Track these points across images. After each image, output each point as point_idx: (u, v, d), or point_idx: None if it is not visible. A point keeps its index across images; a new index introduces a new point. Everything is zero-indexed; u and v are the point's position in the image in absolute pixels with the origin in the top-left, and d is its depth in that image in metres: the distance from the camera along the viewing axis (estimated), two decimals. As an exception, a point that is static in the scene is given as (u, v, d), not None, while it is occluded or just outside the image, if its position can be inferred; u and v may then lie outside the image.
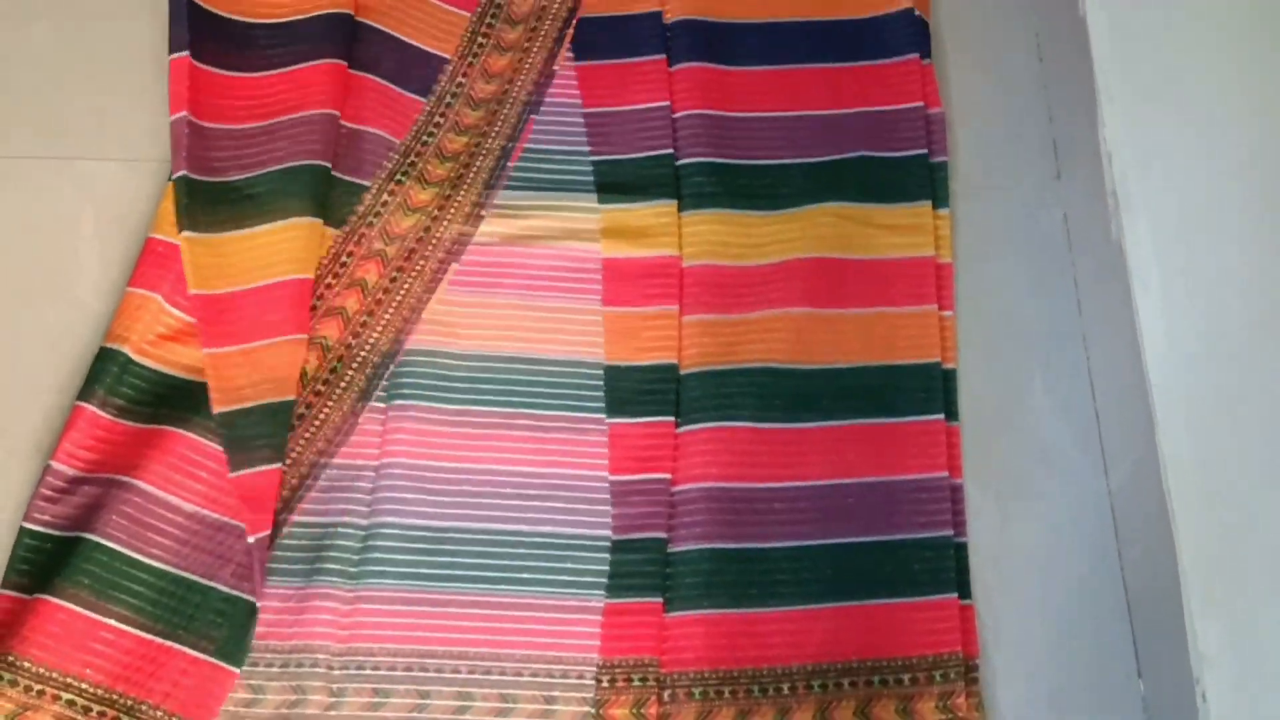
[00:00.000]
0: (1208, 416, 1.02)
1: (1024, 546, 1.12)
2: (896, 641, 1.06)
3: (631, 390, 1.12)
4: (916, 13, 1.26)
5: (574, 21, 1.25)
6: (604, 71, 1.23)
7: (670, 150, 1.20)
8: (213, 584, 1.04)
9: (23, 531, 1.04)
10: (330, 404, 1.11)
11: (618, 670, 1.05)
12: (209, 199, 1.14)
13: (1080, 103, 1.16)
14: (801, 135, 1.22)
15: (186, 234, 1.12)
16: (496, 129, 1.21)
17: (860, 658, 1.05)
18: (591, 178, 1.19)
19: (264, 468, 1.07)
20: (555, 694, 1.03)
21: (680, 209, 1.18)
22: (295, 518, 1.07)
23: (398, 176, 1.19)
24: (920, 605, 1.07)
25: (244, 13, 1.23)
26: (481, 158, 1.19)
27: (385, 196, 1.18)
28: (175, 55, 1.18)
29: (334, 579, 1.05)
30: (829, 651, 1.05)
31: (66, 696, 0.99)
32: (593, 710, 1.03)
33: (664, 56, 1.23)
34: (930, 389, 1.13)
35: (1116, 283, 1.10)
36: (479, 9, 1.26)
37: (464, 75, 1.23)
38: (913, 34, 1.25)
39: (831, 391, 1.13)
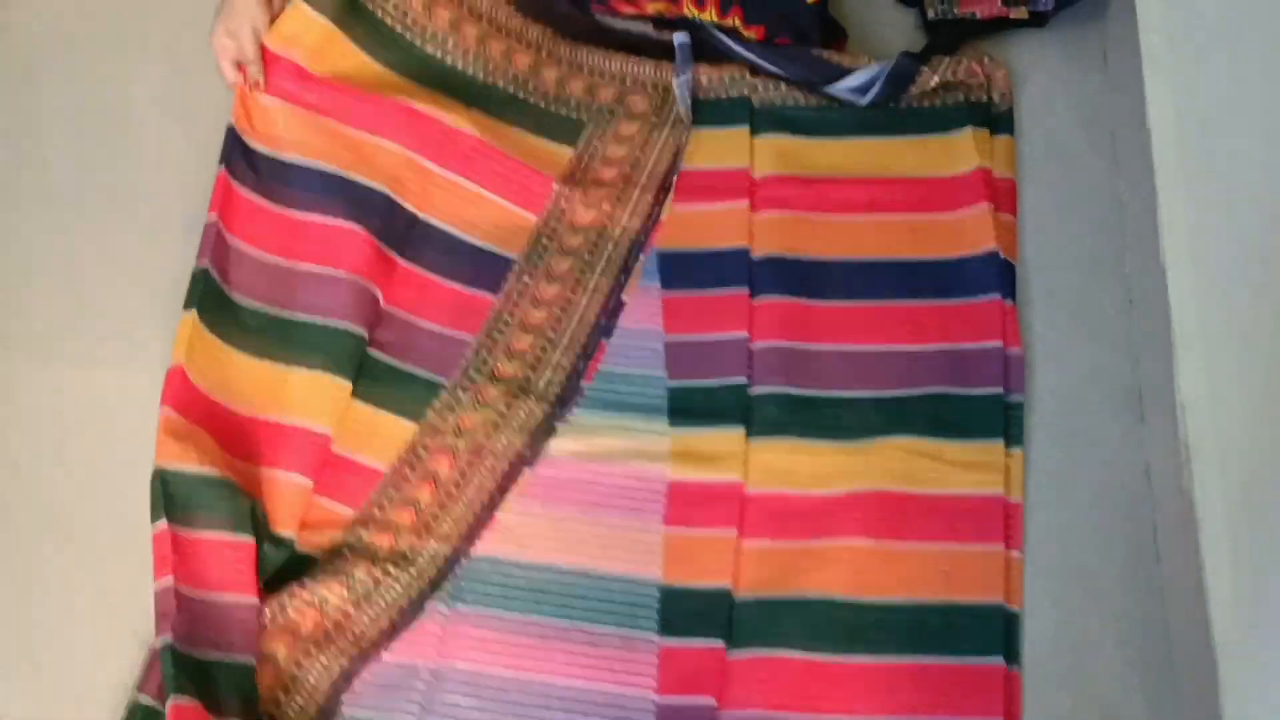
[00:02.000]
0: (1277, 678, 0.97)
1: (1088, 810, 1.07)
2: None
3: (685, 611, 1.14)
4: (1002, 255, 1.28)
5: (640, 256, 1.29)
6: (688, 303, 1.27)
7: (745, 379, 1.23)
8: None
9: None
10: (399, 587, 1.14)
11: None
12: (220, 306, 1.21)
13: (1166, 351, 1.16)
14: (877, 370, 1.23)
15: (192, 314, 1.18)
16: (564, 341, 1.25)
17: None
18: (665, 401, 1.23)
19: (231, 536, 1.11)
20: None
21: (749, 436, 1.20)
22: (346, 710, 1.11)
23: (470, 373, 1.23)
24: None
25: (277, 148, 1.28)
26: (550, 370, 1.24)
27: (459, 392, 1.22)
28: (220, 168, 1.25)
29: (383, 778, 1.08)
30: None
31: None
32: None
33: (747, 290, 1.27)
34: (991, 630, 1.11)
35: (1191, 535, 1.08)
36: (544, 211, 1.30)
37: (529, 276, 1.27)
38: (996, 275, 1.26)
39: (887, 626, 1.12)
